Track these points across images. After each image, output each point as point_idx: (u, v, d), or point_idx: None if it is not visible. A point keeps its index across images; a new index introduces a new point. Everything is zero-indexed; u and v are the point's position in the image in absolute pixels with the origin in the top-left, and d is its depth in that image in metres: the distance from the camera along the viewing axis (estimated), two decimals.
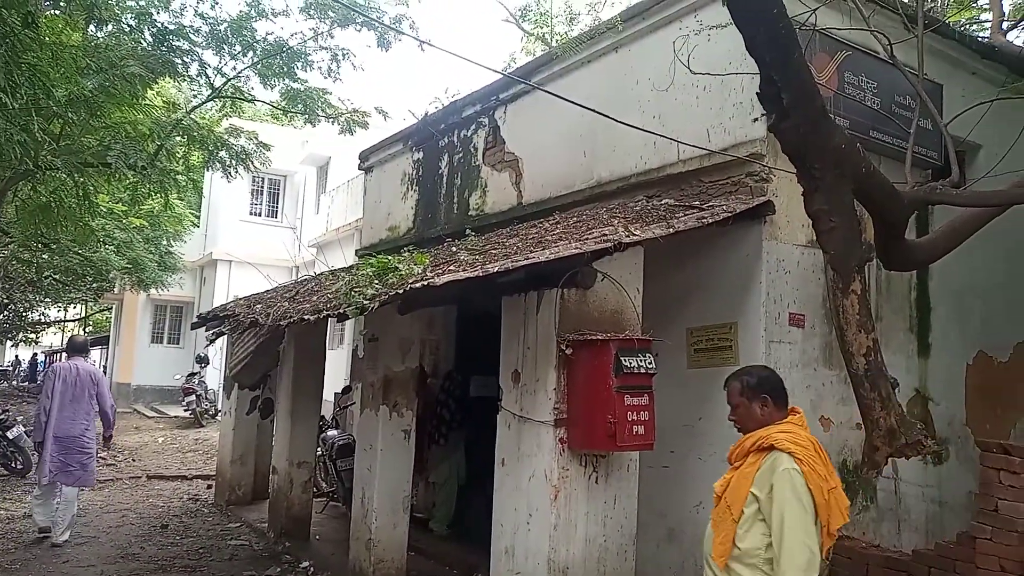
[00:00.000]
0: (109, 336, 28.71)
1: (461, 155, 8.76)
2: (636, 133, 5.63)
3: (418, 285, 3.91)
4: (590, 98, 6.30)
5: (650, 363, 4.41)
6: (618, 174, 6.50)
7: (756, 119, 5.33)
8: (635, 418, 4.30)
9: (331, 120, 11.54)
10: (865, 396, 3.88)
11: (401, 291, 3.99)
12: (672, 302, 5.82)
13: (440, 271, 4.26)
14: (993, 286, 6.65)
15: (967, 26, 10.02)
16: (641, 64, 6.38)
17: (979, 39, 7.27)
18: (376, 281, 4.55)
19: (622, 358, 4.29)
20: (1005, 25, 8.39)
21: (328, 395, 11.24)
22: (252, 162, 11.69)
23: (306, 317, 5.01)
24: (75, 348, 8.02)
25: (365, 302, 4.20)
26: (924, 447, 3.96)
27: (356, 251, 10.94)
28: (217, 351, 16.80)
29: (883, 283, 6.09)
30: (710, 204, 5.30)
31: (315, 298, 5.62)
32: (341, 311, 4.41)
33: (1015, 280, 6.54)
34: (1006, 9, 9.18)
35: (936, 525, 6.28)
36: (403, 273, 4.45)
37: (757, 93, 3.71)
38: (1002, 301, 6.66)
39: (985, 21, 9.35)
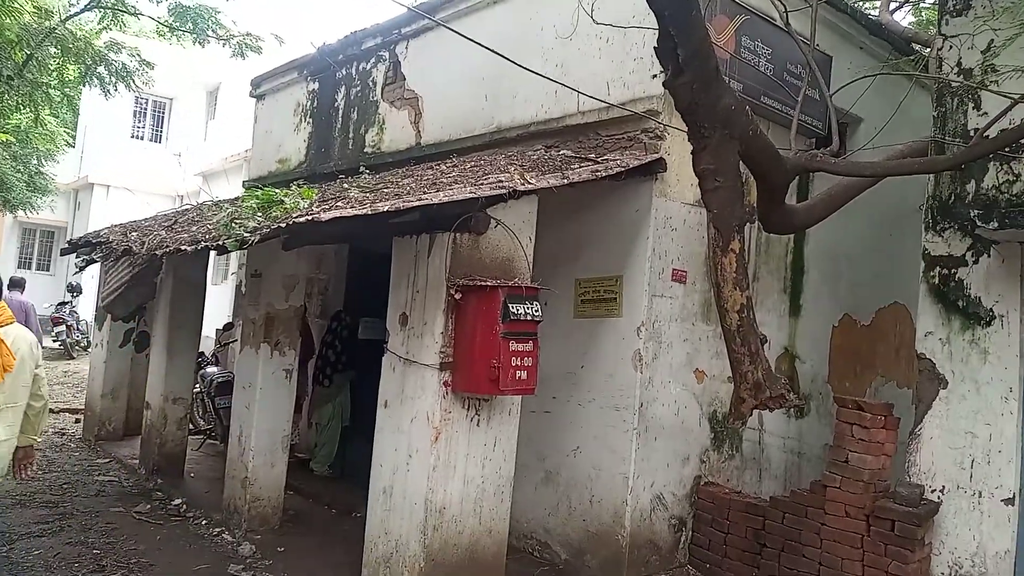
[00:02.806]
0: None
1: (359, 89, 8.48)
2: (538, 81, 5.59)
3: (302, 220, 3.78)
4: (495, 40, 6.16)
5: (537, 311, 4.46)
6: (519, 121, 6.46)
7: (655, 76, 5.38)
8: (519, 363, 4.35)
9: (222, 42, 10.91)
10: (736, 350, 4.07)
11: (284, 225, 3.85)
12: (564, 252, 5.90)
13: (327, 207, 4.13)
14: (862, 253, 7.07)
15: (859, 1, 10.40)
16: (547, 9, 6.31)
17: (868, 15, 7.57)
18: (260, 214, 4.38)
19: (510, 305, 4.32)
20: (893, 4, 8.76)
21: (209, 331, 10.87)
22: (134, 80, 10.98)
23: (184, 248, 4.78)
24: (14, 284, 9.96)
25: (246, 235, 4.04)
26: (787, 401, 4.19)
27: (243, 183, 10.50)
28: (90, 280, 15.90)
29: (762, 245, 6.36)
30: (605, 158, 5.35)
31: (195, 229, 5.36)
32: (220, 243, 4.23)
33: (881, 249, 6.97)
34: None
35: (794, 474, 6.73)
36: (288, 207, 4.30)
37: (654, 47, 3.73)
38: (869, 268, 7.09)
39: None
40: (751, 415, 4.31)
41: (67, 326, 16.95)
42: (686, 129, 4.15)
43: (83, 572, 5.03)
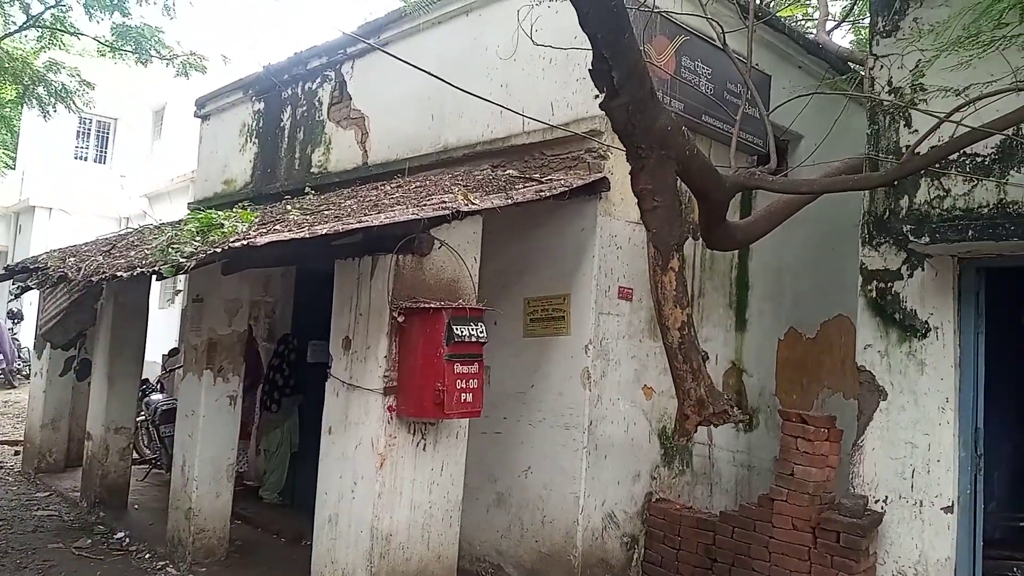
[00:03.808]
0: None
1: (305, 109, 8.40)
2: (483, 101, 5.59)
3: (237, 245, 3.70)
4: (439, 60, 6.20)
5: (481, 332, 4.43)
6: (465, 141, 6.45)
7: (596, 96, 5.40)
8: (464, 386, 4.32)
9: (166, 62, 10.74)
10: (678, 368, 4.08)
11: (220, 250, 3.77)
12: (511, 271, 5.89)
13: (265, 231, 4.06)
14: (805, 267, 7.19)
15: (799, 21, 10.67)
16: (490, 30, 6.33)
17: (806, 35, 7.76)
18: (198, 238, 4.29)
19: (454, 327, 4.29)
20: (829, 24, 8.99)
21: (156, 356, 10.61)
22: (74, 101, 10.73)
23: (120, 274, 4.66)
24: None
25: (182, 260, 3.95)
26: (730, 416, 4.22)
27: (188, 205, 10.30)
28: (30, 306, 15.43)
29: (707, 261, 6.43)
30: (550, 178, 5.37)
31: (133, 254, 5.23)
32: (156, 269, 4.12)
33: (824, 263, 7.10)
34: (833, 9, 9.85)
35: (745, 488, 6.78)
36: (227, 231, 4.21)
37: (589, 70, 3.75)
38: (812, 282, 7.21)
39: (814, 18, 9.98)
40: (696, 431, 4.33)
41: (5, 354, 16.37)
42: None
43: None
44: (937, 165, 4.60)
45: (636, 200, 4.18)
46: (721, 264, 6.57)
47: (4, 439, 10.94)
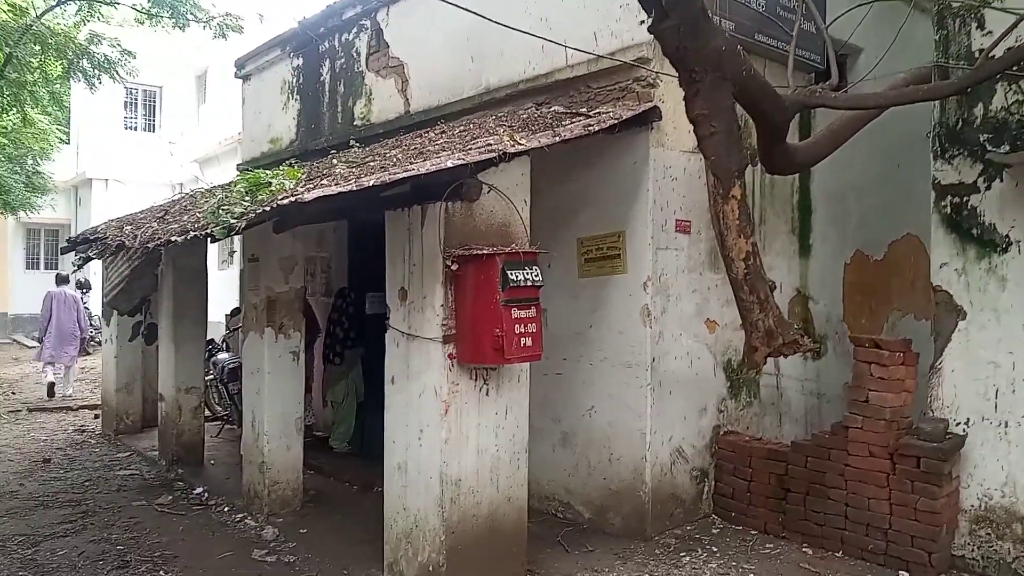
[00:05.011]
0: None
1: (343, 61, 8.28)
2: (524, 36, 5.40)
3: (285, 202, 3.65)
4: None
5: (537, 276, 4.34)
6: (507, 80, 6.28)
7: (642, 22, 5.17)
8: (522, 331, 4.25)
9: (203, 24, 10.68)
10: (744, 299, 3.94)
11: (268, 208, 3.73)
12: (563, 213, 5.76)
13: (312, 186, 4.00)
14: (869, 187, 6.88)
15: None
16: None
17: None
18: (247, 198, 4.26)
19: (508, 272, 4.20)
20: None
21: (219, 316, 10.84)
22: (117, 72, 10.78)
23: (174, 239, 4.68)
24: (61, 279, 12.40)
25: (232, 221, 3.93)
26: (801, 346, 4.08)
27: (237, 166, 10.36)
28: (96, 276, 15.89)
29: (767, 187, 6.19)
30: (597, 111, 5.19)
31: (186, 218, 5.26)
32: (208, 232, 4.12)
33: (889, 180, 6.78)
34: None
35: (815, 416, 6.65)
36: (274, 189, 4.18)
37: None
38: (878, 201, 6.91)
39: None
40: (765, 363, 4.20)
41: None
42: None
43: (107, 569, 5.04)
44: (1015, 68, 4.28)
45: (691, 127, 4.00)
46: (782, 189, 6.33)
47: (84, 404, 11.40)
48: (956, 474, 4.78)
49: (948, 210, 4.86)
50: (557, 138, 4.59)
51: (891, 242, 7.03)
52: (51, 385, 11.95)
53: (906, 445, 4.77)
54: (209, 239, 4.32)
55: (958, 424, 4.81)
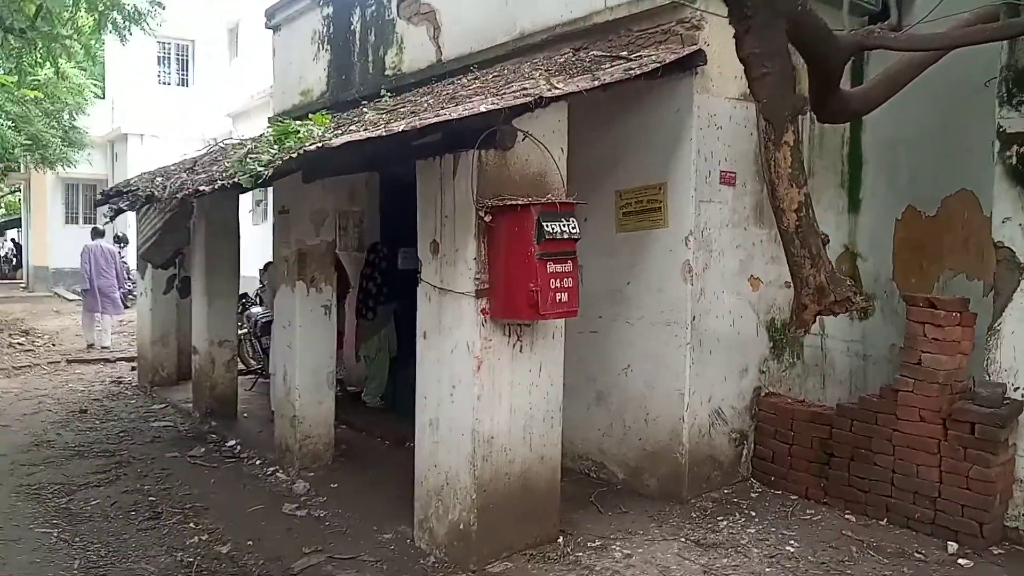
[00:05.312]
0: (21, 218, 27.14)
1: (374, 8, 8.04)
2: None
3: (312, 148, 3.50)
4: None
5: (574, 228, 4.15)
6: (542, 24, 6.01)
7: None
8: (558, 285, 4.08)
9: None
10: (795, 253, 3.72)
11: (296, 155, 3.58)
12: (601, 163, 5.54)
13: (341, 132, 3.84)
14: (923, 138, 6.48)
15: None
16: None
17: None
18: (275, 146, 4.12)
19: (544, 224, 4.02)
20: None
21: (253, 272, 10.82)
22: (147, 23, 10.65)
23: (202, 188, 4.59)
24: (97, 233, 13.12)
25: (260, 169, 3.79)
26: (853, 304, 3.85)
27: (268, 119, 10.22)
28: (131, 229, 16.01)
29: (816, 137, 5.90)
30: (639, 55, 4.92)
31: (215, 168, 5.15)
32: (236, 180, 4.00)
33: (946, 131, 6.38)
34: None
35: (860, 379, 6.41)
36: (302, 136, 4.02)
37: None
38: (932, 153, 6.52)
39: None
40: (814, 322, 3.99)
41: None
42: (726, 13, 3.71)
43: (140, 519, 5.05)
44: None
45: (740, 71, 3.75)
46: (831, 140, 6.02)
47: (122, 356, 11.53)
48: (1013, 442, 4.55)
49: (1014, 160, 4.55)
50: (596, 82, 4.35)
51: (944, 197, 6.65)
52: (90, 345, 12.45)
53: (960, 410, 4.54)
54: (236, 188, 4.20)
55: (1016, 389, 4.57)
